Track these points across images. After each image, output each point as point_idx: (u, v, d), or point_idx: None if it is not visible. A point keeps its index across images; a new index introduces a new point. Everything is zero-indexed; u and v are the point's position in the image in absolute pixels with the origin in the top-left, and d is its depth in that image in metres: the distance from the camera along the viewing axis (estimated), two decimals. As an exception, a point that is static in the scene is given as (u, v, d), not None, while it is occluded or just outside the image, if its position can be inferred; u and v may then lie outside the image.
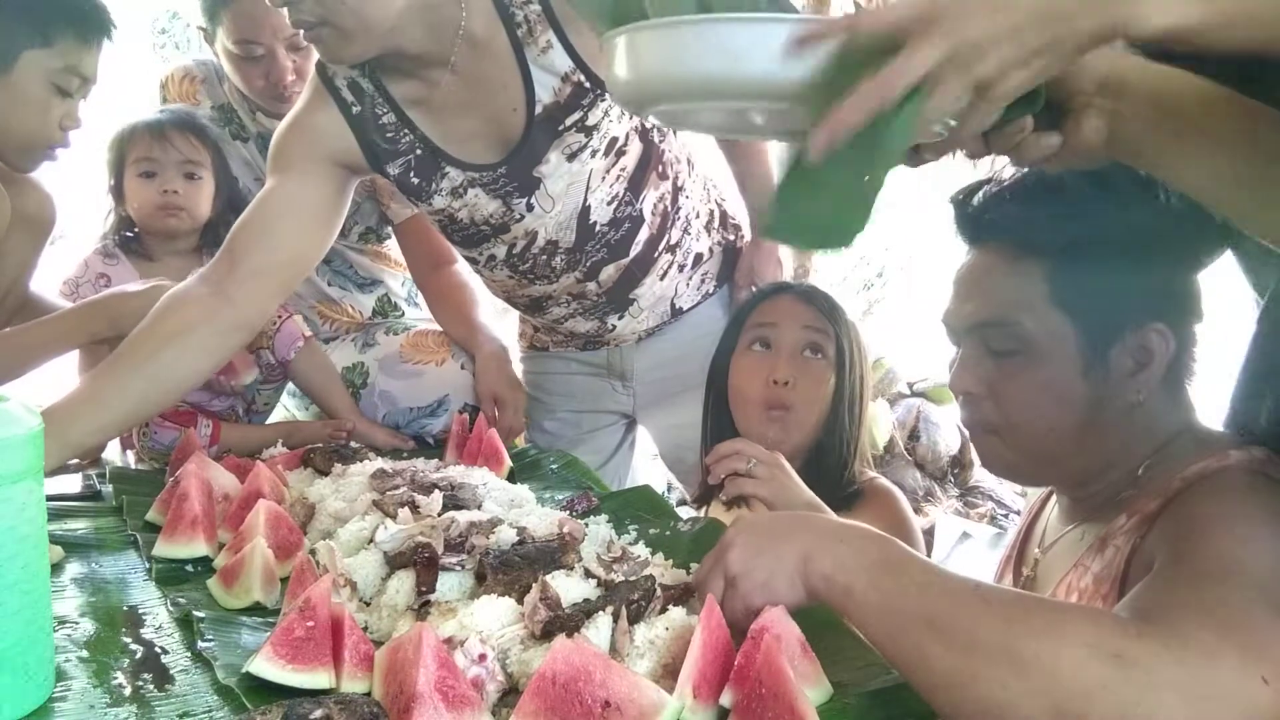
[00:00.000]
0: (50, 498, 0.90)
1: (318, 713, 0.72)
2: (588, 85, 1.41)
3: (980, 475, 3.79)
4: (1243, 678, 0.67)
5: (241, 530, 1.13)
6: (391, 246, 2.01)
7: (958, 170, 0.94)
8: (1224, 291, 1.00)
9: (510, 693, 0.81)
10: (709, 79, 0.69)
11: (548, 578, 0.92)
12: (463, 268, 1.87)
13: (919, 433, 3.70)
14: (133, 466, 1.75)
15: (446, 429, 1.69)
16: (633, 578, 0.93)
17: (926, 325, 1.11)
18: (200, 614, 0.97)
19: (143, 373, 1.32)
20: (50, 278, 1.70)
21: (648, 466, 2.20)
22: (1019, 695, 0.69)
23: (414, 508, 1.11)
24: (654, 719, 0.74)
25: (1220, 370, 0.99)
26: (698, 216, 1.67)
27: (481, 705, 0.77)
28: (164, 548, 1.15)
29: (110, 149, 1.72)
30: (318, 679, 0.82)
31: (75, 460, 1.40)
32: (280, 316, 1.70)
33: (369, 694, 0.80)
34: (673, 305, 1.68)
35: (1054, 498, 1.11)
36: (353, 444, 1.57)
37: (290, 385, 1.85)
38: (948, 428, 3.67)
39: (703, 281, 1.70)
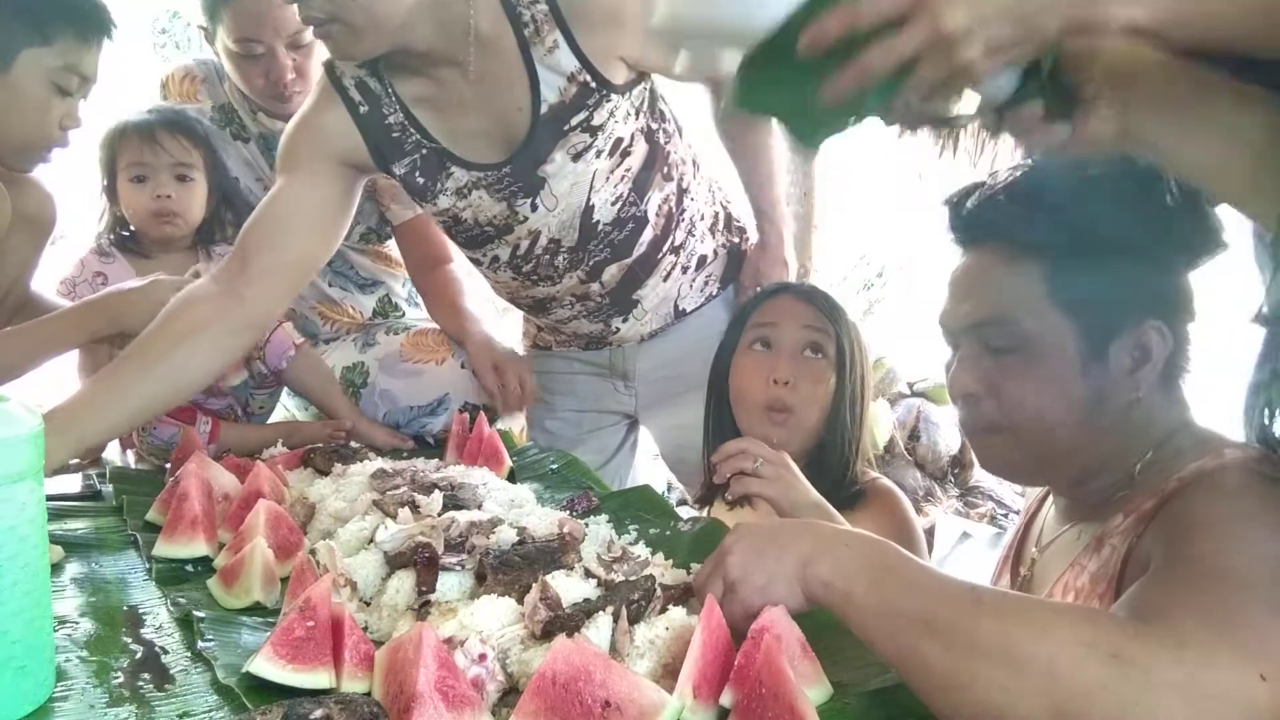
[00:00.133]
0: (50, 498, 0.90)
1: (318, 713, 0.72)
2: (593, 85, 1.41)
3: (980, 475, 3.79)
4: (1241, 676, 0.67)
5: (241, 530, 1.13)
6: (393, 247, 2.01)
7: (958, 171, 0.94)
8: (1223, 292, 1.00)
9: (510, 693, 0.81)
10: (733, 19, 0.76)
11: (548, 578, 0.92)
12: (458, 266, 1.87)
13: (919, 433, 3.70)
14: (132, 466, 1.75)
15: (446, 428, 1.69)
16: (633, 578, 0.94)
17: (926, 325, 1.11)
18: (200, 614, 0.97)
19: (154, 372, 1.33)
20: (51, 278, 1.70)
21: (648, 467, 2.20)
22: (1018, 696, 0.69)
23: (414, 508, 1.11)
24: (654, 719, 0.74)
25: (1218, 369, 0.99)
26: (702, 218, 1.67)
27: (481, 705, 0.77)
28: (164, 548, 1.15)
29: (101, 148, 1.72)
30: (318, 679, 0.82)
31: (75, 460, 1.40)
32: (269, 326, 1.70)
33: (369, 694, 0.80)
34: (676, 307, 1.68)
35: (1051, 498, 1.11)
36: (353, 444, 1.57)
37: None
38: (948, 428, 3.67)
39: (706, 283, 1.70)
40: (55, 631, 0.89)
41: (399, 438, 1.74)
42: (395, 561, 0.99)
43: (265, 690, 0.81)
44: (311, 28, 1.33)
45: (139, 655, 0.92)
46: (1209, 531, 0.79)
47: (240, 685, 0.84)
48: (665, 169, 1.57)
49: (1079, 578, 0.95)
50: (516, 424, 1.94)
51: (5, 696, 0.78)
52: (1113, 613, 0.75)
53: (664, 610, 0.89)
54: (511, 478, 1.48)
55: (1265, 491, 0.83)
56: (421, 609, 0.94)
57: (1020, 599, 0.78)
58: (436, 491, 1.16)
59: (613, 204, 1.52)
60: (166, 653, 0.93)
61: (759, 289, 1.65)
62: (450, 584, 0.97)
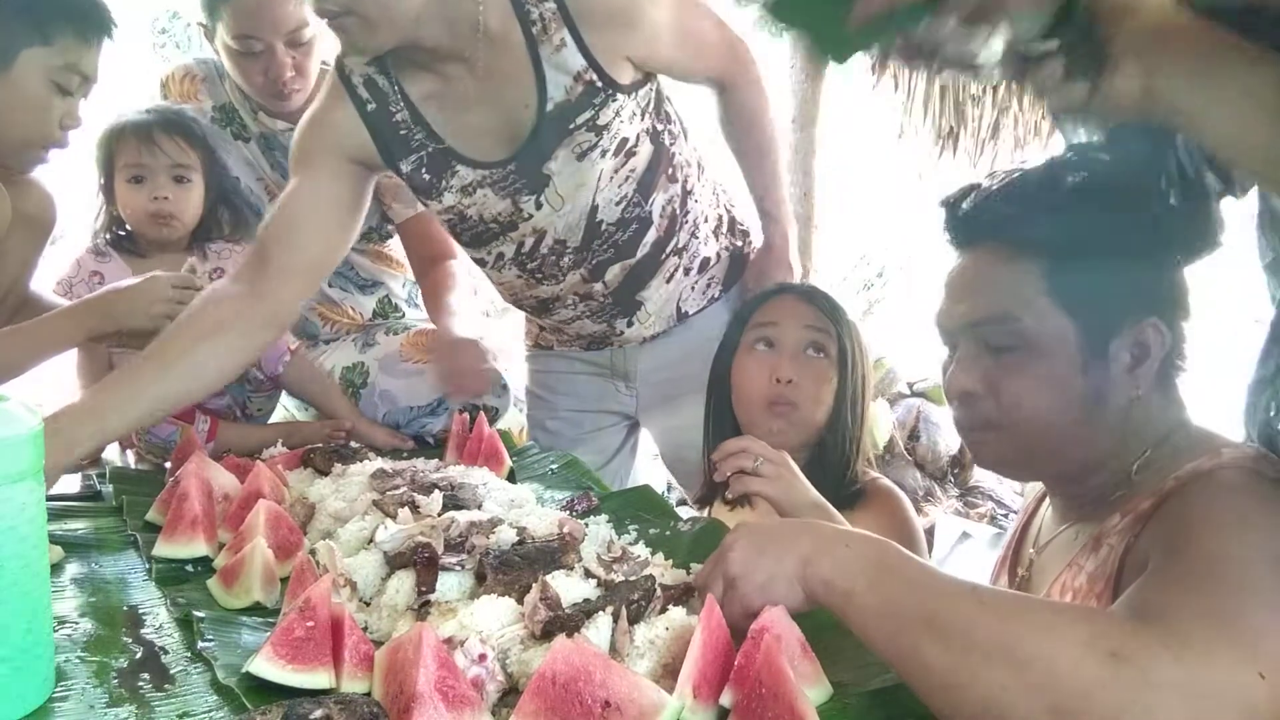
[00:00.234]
0: (50, 498, 0.90)
1: (318, 713, 0.72)
2: (599, 85, 1.42)
3: (980, 475, 3.80)
4: (1239, 674, 0.67)
5: (241, 530, 1.13)
6: (393, 247, 2.01)
7: (958, 172, 0.94)
8: (1220, 291, 1.01)
9: (510, 693, 0.81)
10: None
11: (548, 578, 0.92)
12: (458, 263, 1.87)
13: (919, 433, 3.71)
14: (132, 466, 1.75)
15: (446, 428, 1.69)
16: (633, 578, 0.93)
17: (926, 325, 1.11)
18: (200, 614, 0.97)
19: (176, 369, 1.34)
20: (50, 278, 1.70)
21: (648, 467, 2.20)
22: (1017, 695, 0.69)
23: (414, 508, 1.11)
24: (654, 719, 0.74)
25: (1216, 368, 0.99)
26: (706, 221, 1.67)
27: (481, 705, 0.77)
28: (164, 548, 1.15)
29: (99, 147, 1.72)
30: (318, 679, 0.82)
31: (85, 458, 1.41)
32: None
33: (369, 694, 0.80)
34: (678, 309, 1.68)
35: (1048, 498, 1.11)
36: (353, 444, 1.57)
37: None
38: (947, 428, 3.68)
39: (709, 286, 1.70)
40: (55, 631, 0.89)
41: (399, 438, 1.74)
42: (395, 561, 0.99)
43: (265, 690, 0.81)
44: (308, 28, 1.33)
45: (139, 655, 0.92)
46: (1207, 531, 0.79)
47: (240, 685, 0.84)
48: (670, 170, 1.57)
49: (1077, 578, 0.95)
50: (516, 423, 1.94)
51: (5, 696, 0.78)
52: (1111, 612, 0.76)
53: (664, 610, 0.89)
54: (511, 478, 1.48)
55: (1263, 491, 0.83)
56: (421, 609, 0.94)
57: (1020, 598, 0.78)
58: (436, 491, 1.16)
59: (617, 204, 1.52)
60: (166, 653, 0.92)
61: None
62: (450, 584, 0.97)
